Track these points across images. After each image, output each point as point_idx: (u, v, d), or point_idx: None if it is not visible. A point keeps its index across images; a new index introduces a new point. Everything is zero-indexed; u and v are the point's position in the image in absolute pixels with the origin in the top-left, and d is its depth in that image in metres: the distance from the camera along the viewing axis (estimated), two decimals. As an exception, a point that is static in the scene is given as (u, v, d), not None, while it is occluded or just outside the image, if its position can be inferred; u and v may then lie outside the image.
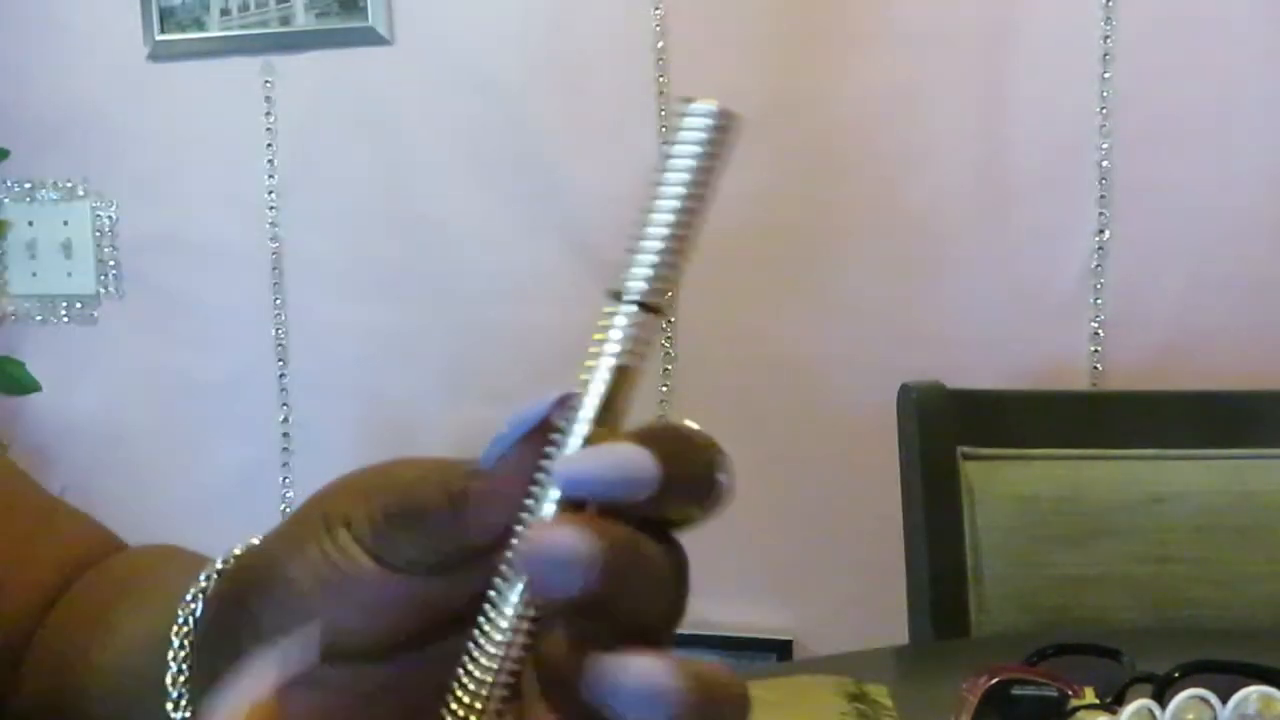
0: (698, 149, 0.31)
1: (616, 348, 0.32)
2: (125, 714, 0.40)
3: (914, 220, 1.68)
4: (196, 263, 1.95)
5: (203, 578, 0.39)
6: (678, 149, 0.31)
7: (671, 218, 0.31)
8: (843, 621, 1.67)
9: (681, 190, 0.31)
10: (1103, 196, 1.63)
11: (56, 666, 0.43)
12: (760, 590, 1.76)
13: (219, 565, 0.39)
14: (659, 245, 0.31)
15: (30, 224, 2.02)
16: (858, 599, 1.66)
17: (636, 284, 0.31)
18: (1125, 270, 1.63)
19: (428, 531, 0.34)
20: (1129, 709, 0.75)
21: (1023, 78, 1.64)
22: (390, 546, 0.34)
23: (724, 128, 0.31)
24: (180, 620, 0.38)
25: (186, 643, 0.38)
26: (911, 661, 1.15)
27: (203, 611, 0.38)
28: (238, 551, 0.39)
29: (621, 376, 0.32)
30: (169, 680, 0.38)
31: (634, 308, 0.31)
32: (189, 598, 0.39)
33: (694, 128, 0.31)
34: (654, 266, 0.31)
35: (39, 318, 2.04)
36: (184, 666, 0.38)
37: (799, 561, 1.75)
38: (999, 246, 1.66)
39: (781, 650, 1.74)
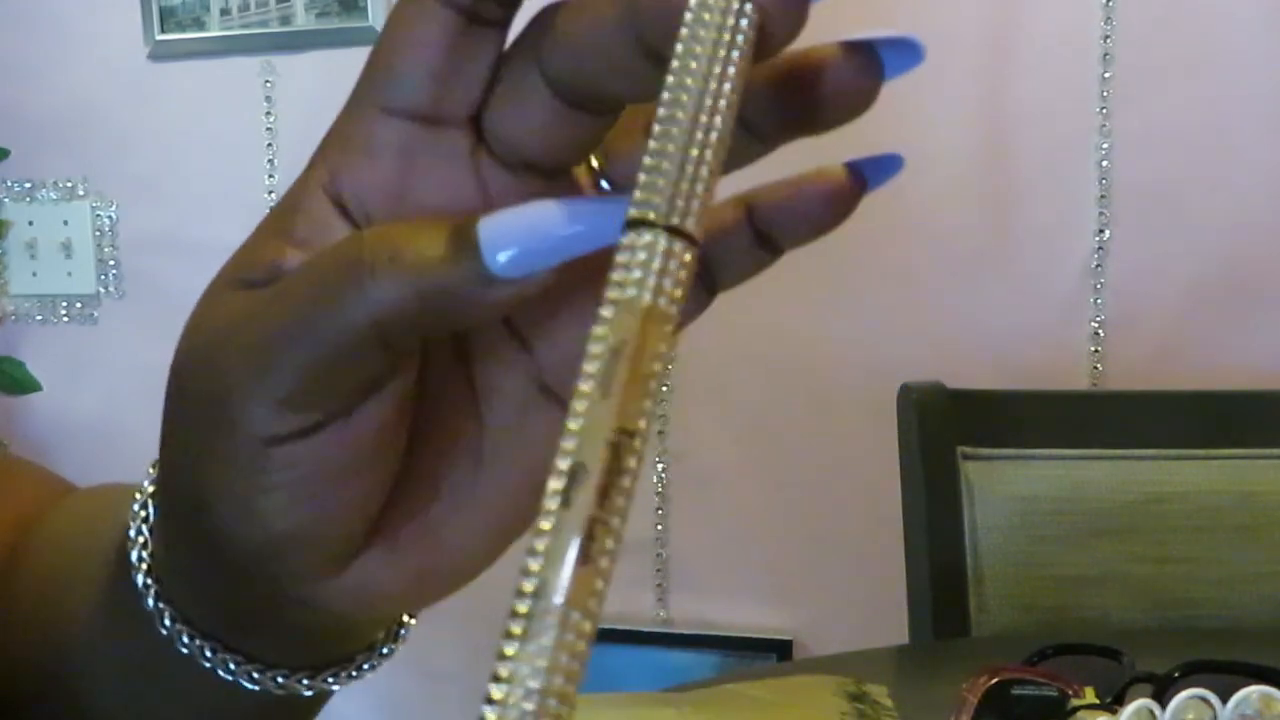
0: (715, 36, 0.25)
1: (641, 281, 0.24)
2: (97, 660, 0.38)
3: (914, 220, 1.68)
4: (197, 263, 1.94)
5: (147, 482, 0.35)
6: (691, 40, 0.25)
7: (694, 124, 0.24)
8: (843, 621, 1.67)
9: (700, 89, 0.25)
10: (1103, 197, 1.63)
11: (26, 637, 0.41)
12: (760, 590, 1.76)
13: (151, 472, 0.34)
14: (680, 157, 0.24)
15: (30, 224, 2.02)
16: (858, 599, 1.66)
17: (658, 205, 0.24)
18: (1125, 270, 1.63)
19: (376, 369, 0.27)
20: (1129, 709, 0.75)
21: (1023, 78, 1.64)
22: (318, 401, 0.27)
23: (739, 11, 0.25)
24: (133, 531, 0.34)
25: (145, 553, 0.34)
26: (911, 661, 1.15)
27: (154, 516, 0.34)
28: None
29: (649, 320, 0.24)
30: (141, 584, 0.34)
31: (660, 233, 0.24)
32: (136, 505, 0.34)
33: (706, 12, 0.25)
34: (677, 182, 0.24)
35: (39, 318, 2.04)
36: (147, 578, 0.34)
37: (799, 561, 1.75)
38: (999, 246, 1.66)
39: (781, 650, 1.75)
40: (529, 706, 0.22)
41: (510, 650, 0.22)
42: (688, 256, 0.24)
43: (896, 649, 1.20)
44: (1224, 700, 0.75)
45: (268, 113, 1.89)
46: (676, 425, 1.75)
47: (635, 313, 0.24)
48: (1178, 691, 0.76)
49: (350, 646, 0.35)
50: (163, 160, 1.94)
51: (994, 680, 0.83)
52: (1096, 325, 1.64)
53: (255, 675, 0.34)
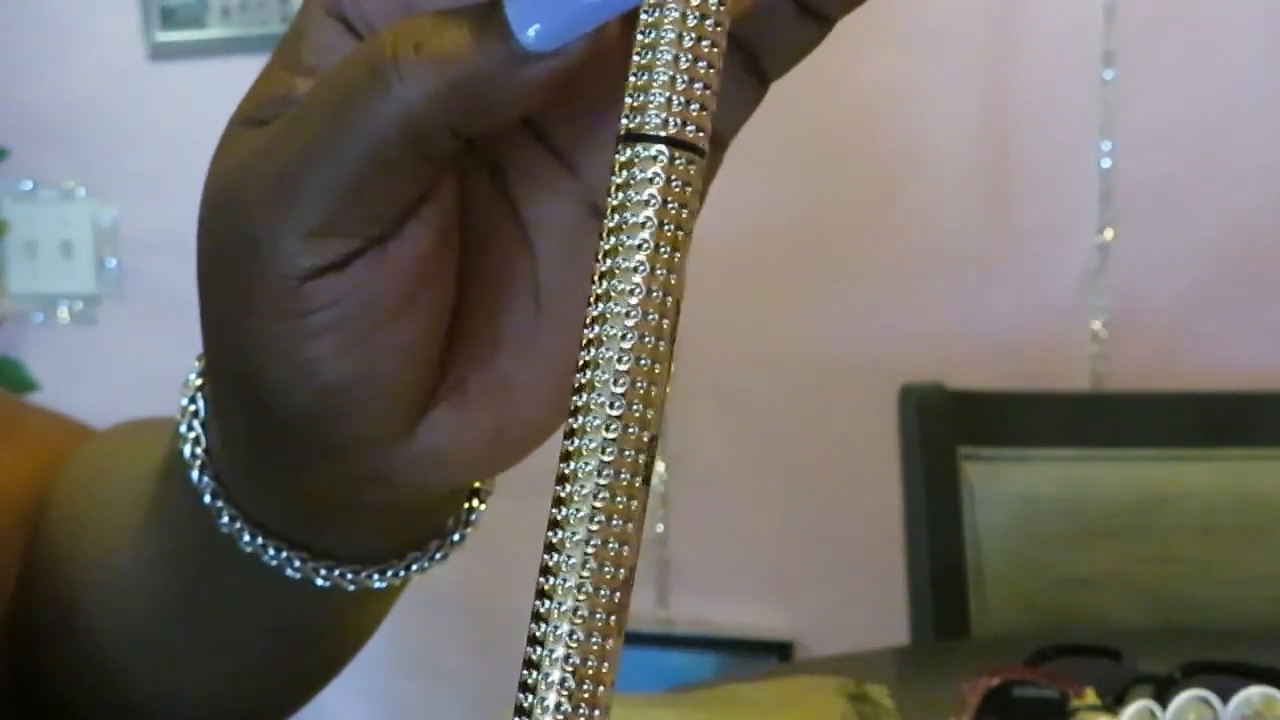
0: None
1: (654, 194, 0.22)
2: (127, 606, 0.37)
3: (914, 220, 1.68)
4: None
5: (194, 374, 0.33)
6: None
7: (685, 36, 0.22)
8: (843, 622, 1.67)
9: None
10: (1103, 197, 1.63)
11: (50, 590, 0.41)
12: (760, 591, 1.76)
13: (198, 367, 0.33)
14: (674, 53, 0.22)
15: (30, 224, 2.02)
16: (858, 600, 1.66)
17: (653, 115, 0.22)
18: (1126, 270, 1.63)
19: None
20: (1130, 710, 0.75)
21: (1023, 78, 1.64)
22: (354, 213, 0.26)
23: None
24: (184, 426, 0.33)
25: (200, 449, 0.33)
26: (912, 662, 1.15)
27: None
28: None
29: (661, 235, 0.22)
30: (196, 479, 0.32)
31: (660, 146, 0.22)
32: (186, 401, 0.33)
33: None
34: (672, 82, 0.22)
35: (39, 318, 2.04)
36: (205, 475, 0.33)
37: (799, 562, 1.75)
38: (999, 246, 1.66)
39: (782, 651, 1.74)
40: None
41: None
42: (693, 166, 0.22)
43: (897, 650, 1.20)
44: (1225, 701, 0.75)
45: (268, 113, 1.89)
46: (676, 425, 1.75)
47: (643, 243, 0.22)
48: (1179, 692, 0.76)
49: (423, 530, 0.33)
50: (163, 160, 1.94)
51: (995, 681, 0.83)
52: (1097, 325, 1.64)
53: (324, 572, 0.33)
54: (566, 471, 0.21)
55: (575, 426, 0.21)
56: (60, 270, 2.02)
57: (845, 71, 1.67)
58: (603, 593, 0.21)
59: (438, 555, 0.34)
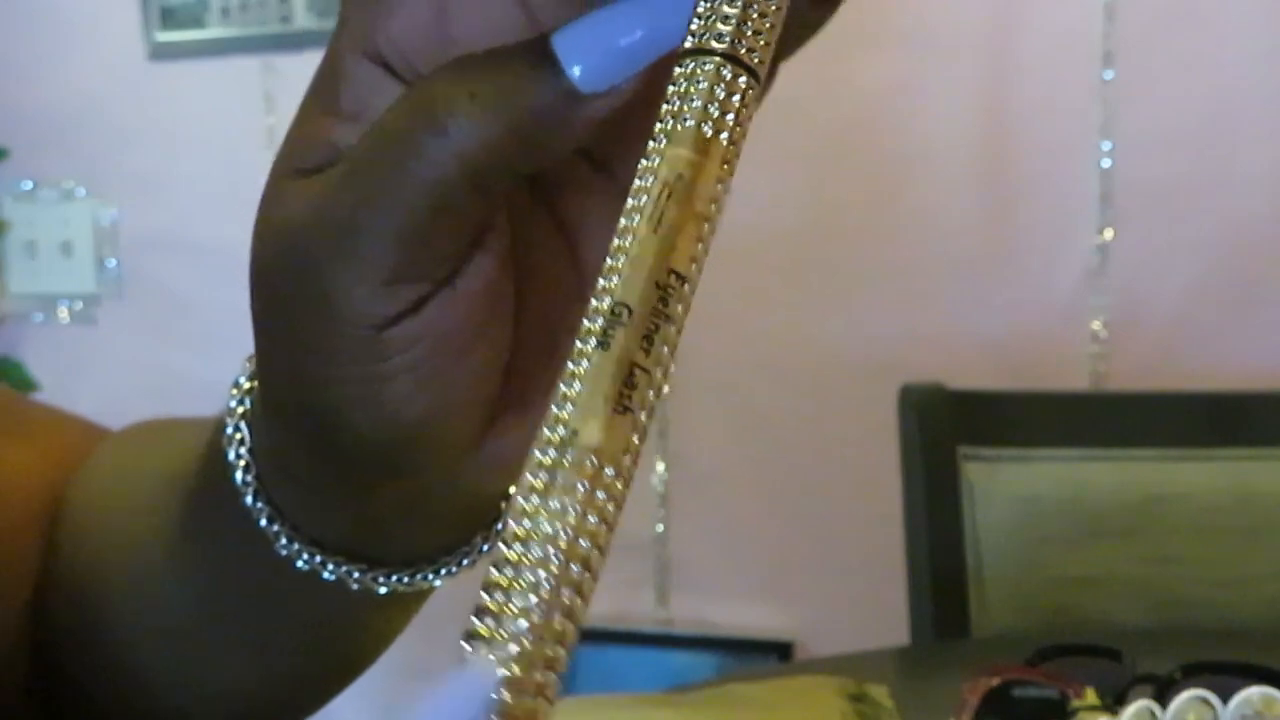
0: None
1: (698, 112, 0.22)
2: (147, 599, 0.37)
3: (915, 220, 1.68)
4: (197, 263, 1.95)
5: (234, 402, 0.33)
6: None
7: None
8: (843, 622, 1.67)
9: None
10: (1103, 197, 1.63)
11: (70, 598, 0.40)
12: (760, 591, 1.76)
13: (245, 382, 0.33)
14: None
15: (30, 224, 2.02)
16: (858, 600, 1.66)
17: (720, 32, 0.22)
18: (1126, 270, 1.63)
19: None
20: (1130, 710, 0.75)
21: (1023, 78, 1.64)
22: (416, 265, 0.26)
23: None
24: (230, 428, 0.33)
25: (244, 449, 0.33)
26: (912, 662, 1.15)
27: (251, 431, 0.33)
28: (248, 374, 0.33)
29: (706, 155, 0.22)
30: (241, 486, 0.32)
31: (721, 61, 0.22)
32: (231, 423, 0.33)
33: None
34: (746, 7, 0.23)
35: (39, 318, 2.04)
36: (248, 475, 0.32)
37: (799, 562, 1.75)
38: (999, 246, 1.66)
39: (782, 651, 1.74)
40: (550, 570, 0.19)
41: (529, 506, 0.19)
42: (749, 89, 0.22)
43: (897, 650, 1.20)
44: (1225, 701, 0.75)
45: (268, 113, 1.89)
46: (677, 425, 1.75)
47: (689, 145, 0.22)
48: (1179, 692, 0.76)
49: (478, 522, 0.34)
50: (163, 160, 1.94)
51: (995, 681, 0.83)
52: (1097, 325, 1.64)
53: (382, 579, 0.33)
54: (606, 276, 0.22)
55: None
56: (60, 270, 2.02)
57: (846, 73, 1.67)
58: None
59: (485, 547, 0.34)
